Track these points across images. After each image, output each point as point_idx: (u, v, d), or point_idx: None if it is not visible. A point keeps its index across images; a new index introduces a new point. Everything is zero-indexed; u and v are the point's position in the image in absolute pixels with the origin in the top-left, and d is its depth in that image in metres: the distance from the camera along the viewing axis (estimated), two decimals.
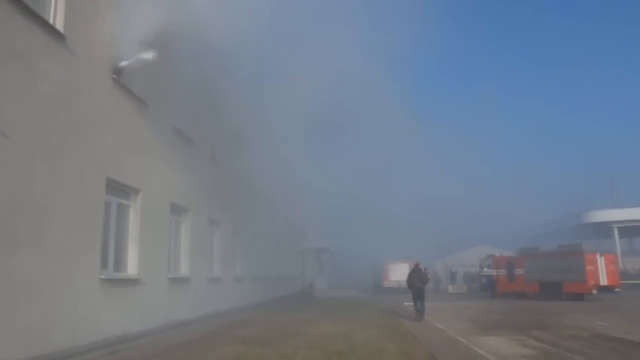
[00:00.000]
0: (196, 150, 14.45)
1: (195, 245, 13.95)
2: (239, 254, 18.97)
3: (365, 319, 14.55)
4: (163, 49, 11.49)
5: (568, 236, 43.38)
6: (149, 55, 9.65)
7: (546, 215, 55.49)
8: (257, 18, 13.14)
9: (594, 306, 20.02)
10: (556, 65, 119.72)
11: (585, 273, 23.20)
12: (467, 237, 58.04)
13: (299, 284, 34.73)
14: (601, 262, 23.86)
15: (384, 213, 55.35)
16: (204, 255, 14.74)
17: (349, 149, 43.96)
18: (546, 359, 8.30)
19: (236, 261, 18.63)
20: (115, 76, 9.52)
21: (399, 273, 34.34)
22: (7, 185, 6.49)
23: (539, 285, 25.48)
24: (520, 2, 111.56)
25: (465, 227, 62.76)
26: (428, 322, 14.06)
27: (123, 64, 9.54)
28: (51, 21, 7.71)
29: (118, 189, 9.79)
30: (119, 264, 9.86)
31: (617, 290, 24.10)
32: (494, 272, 28.98)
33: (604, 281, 23.62)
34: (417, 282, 15.16)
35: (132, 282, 10.07)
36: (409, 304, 16.33)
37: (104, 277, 8.81)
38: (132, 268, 10.24)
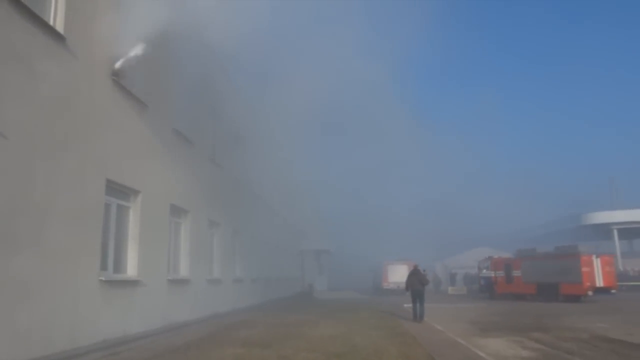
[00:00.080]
0: (196, 151, 14.45)
1: (195, 247, 13.95)
2: (239, 255, 18.97)
3: (365, 320, 14.54)
4: (163, 50, 11.53)
5: (568, 237, 43.36)
6: (138, 51, 9.65)
7: (546, 216, 55.56)
8: (257, 19, 13.14)
9: (593, 307, 20.02)
10: (556, 66, 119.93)
11: (581, 274, 23.34)
12: (467, 239, 58.12)
13: (298, 285, 34.72)
14: (597, 263, 23.98)
15: (384, 214, 55.39)
16: (203, 257, 14.74)
17: (349, 150, 44.00)
18: None
19: (236, 262, 18.63)
20: (114, 77, 9.52)
21: (398, 274, 34.32)
22: (6, 186, 6.49)
23: (536, 287, 25.62)
24: (520, 2, 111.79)
25: (465, 229, 62.85)
26: (428, 323, 14.05)
27: (117, 64, 9.54)
28: (51, 22, 7.72)
29: (117, 190, 9.79)
30: (119, 265, 9.86)
31: (613, 291, 24.20)
32: (492, 274, 29.08)
33: (599, 282, 23.73)
34: (417, 283, 15.18)
35: (132, 283, 10.06)
36: (409, 306, 16.33)
37: (103, 278, 8.81)
38: (131, 269, 10.24)
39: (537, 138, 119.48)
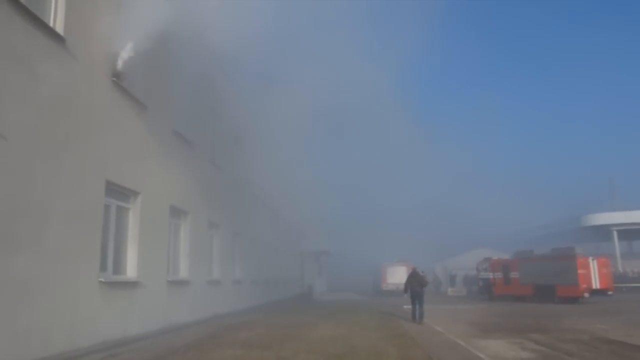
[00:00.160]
0: (195, 152, 14.46)
1: (195, 248, 13.95)
2: (238, 257, 18.96)
3: (365, 322, 14.53)
4: (162, 51, 11.55)
5: (568, 239, 43.36)
6: (138, 52, 9.68)
7: (546, 218, 55.60)
8: (256, 20, 13.15)
9: (593, 309, 20.01)
10: (556, 67, 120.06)
11: (577, 276, 23.39)
12: (466, 240, 58.10)
13: (297, 287, 34.68)
14: (593, 265, 24.06)
15: (384, 215, 55.32)
16: (203, 258, 14.74)
17: (349, 151, 43.95)
18: None
19: (235, 264, 18.62)
20: (114, 78, 9.53)
21: (397, 276, 34.35)
22: (6, 187, 6.50)
23: (533, 288, 25.67)
24: (519, 4, 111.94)
25: (465, 230, 62.82)
26: (427, 324, 14.04)
27: (117, 65, 9.55)
28: (51, 24, 7.73)
29: (117, 192, 9.79)
30: (118, 267, 9.86)
31: (609, 293, 24.27)
32: (490, 275, 29.12)
33: (596, 284, 23.81)
34: (416, 285, 15.26)
35: (131, 284, 10.06)
36: (408, 307, 16.33)
37: (103, 280, 8.81)
38: (131, 270, 10.24)
39: (537, 139, 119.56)
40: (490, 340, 10.65)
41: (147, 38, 9.80)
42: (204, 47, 14.41)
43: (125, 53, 9.62)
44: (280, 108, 20.84)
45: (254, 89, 21.05)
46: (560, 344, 9.99)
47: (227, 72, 18.28)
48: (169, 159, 12.22)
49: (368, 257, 45.73)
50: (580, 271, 23.49)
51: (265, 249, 23.88)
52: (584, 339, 10.76)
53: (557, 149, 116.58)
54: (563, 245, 28.22)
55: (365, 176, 49.82)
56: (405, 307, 19.15)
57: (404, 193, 56.55)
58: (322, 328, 12.73)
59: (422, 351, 9.04)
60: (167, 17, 9.77)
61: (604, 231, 45.19)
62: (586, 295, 23.32)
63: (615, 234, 44.33)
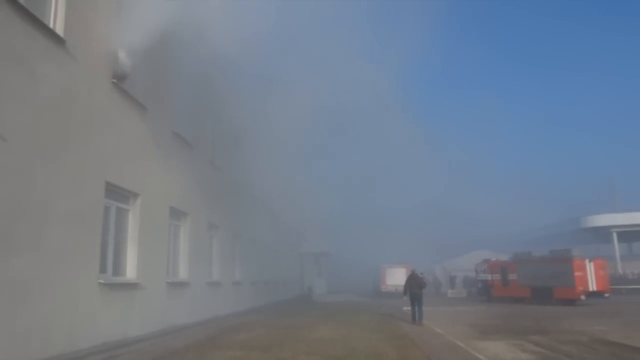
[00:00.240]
0: (195, 154, 14.46)
1: (194, 249, 13.94)
2: (238, 258, 18.96)
3: (364, 323, 14.53)
4: (162, 52, 11.56)
5: (567, 240, 43.43)
6: (138, 53, 9.71)
7: (546, 219, 55.62)
8: (256, 22, 13.17)
9: (592, 310, 20.01)
10: (556, 69, 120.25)
11: (573, 279, 23.43)
12: (466, 241, 58.07)
13: (297, 288, 34.67)
14: (590, 267, 24.07)
15: (384, 217, 55.28)
16: (202, 259, 14.73)
17: (349, 152, 43.95)
18: None
19: (235, 265, 18.61)
20: (114, 80, 9.54)
21: (396, 277, 34.33)
22: (6, 188, 6.50)
23: (531, 290, 25.72)
24: (520, 5, 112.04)
25: (465, 231, 62.81)
26: (427, 326, 14.04)
27: (117, 67, 9.57)
28: (51, 25, 7.73)
29: (117, 193, 9.79)
30: (118, 268, 9.85)
31: (606, 295, 24.27)
32: (488, 277, 29.15)
33: (592, 287, 23.82)
34: (415, 287, 15.33)
35: (131, 286, 10.06)
36: (408, 308, 16.32)
37: (102, 281, 8.81)
38: (130, 272, 10.23)
39: (537, 140, 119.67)
40: (489, 342, 10.65)
41: (147, 39, 9.82)
42: (204, 47, 14.41)
43: (126, 55, 9.63)
44: (280, 109, 20.85)
45: (253, 89, 21.06)
46: (559, 346, 10.00)
47: (226, 72, 18.29)
48: (168, 160, 12.22)
49: (368, 259, 45.70)
50: (576, 273, 23.54)
51: (265, 250, 23.87)
52: (584, 340, 10.76)
53: (557, 150, 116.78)
54: (562, 247, 28.25)
55: (365, 177, 49.88)
56: (404, 308, 19.13)
57: (404, 194, 56.52)
58: (322, 329, 12.73)
59: (422, 353, 9.04)
60: (166, 18, 9.79)
61: (603, 233, 45.20)
62: (583, 297, 23.38)
63: (615, 235, 44.32)
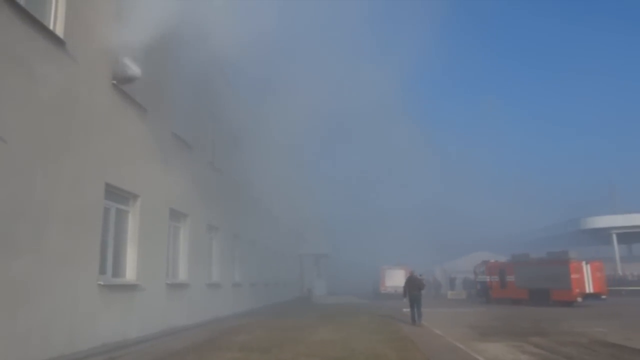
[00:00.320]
0: (195, 155, 14.47)
1: (194, 251, 13.94)
2: (238, 260, 18.95)
3: (364, 325, 14.53)
4: (162, 54, 11.56)
5: (567, 242, 43.33)
6: (138, 55, 9.76)
7: (546, 220, 55.59)
8: (257, 24, 13.19)
9: (592, 312, 20.02)
10: (556, 70, 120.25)
11: (570, 281, 23.45)
12: (466, 243, 57.93)
13: (297, 290, 34.64)
14: (587, 269, 24.10)
15: (384, 218, 55.27)
16: (202, 261, 14.73)
17: (349, 153, 43.96)
18: None
19: (234, 266, 18.61)
20: (114, 81, 9.55)
21: (395, 279, 34.35)
22: (6, 189, 6.50)
23: (528, 292, 25.71)
24: (521, 5, 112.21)
25: (464, 233, 62.64)
26: (427, 327, 14.03)
27: (117, 68, 9.59)
28: (51, 27, 7.75)
29: (117, 194, 9.80)
30: (118, 269, 9.85)
31: (603, 297, 24.29)
32: (487, 278, 29.15)
33: (589, 289, 23.86)
34: (414, 288, 15.37)
35: (131, 287, 10.05)
36: (407, 310, 16.32)
37: (102, 283, 8.81)
38: (130, 273, 10.23)
39: (537, 142, 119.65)
40: (489, 344, 10.65)
41: (147, 40, 9.83)
42: (204, 49, 14.40)
43: (133, 60, 9.67)
44: (280, 110, 20.86)
45: (253, 91, 21.08)
46: (559, 347, 9.99)
47: (226, 74, 18.30)
48: (168, 161, 12.23)
49: (368, 260, 45.71)
50: (573, 276, 23.59)
51: (264, 252, 23.86)
52: (583, 342, 10.76)
53: (556, 152, 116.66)
54: (562, 248, 28.23)
55: (365, 179, 49.90)
56: (404, 310, 19.12)
57: (404, 195, 56.52)
58: (322, 331, 12.72)
59: (422, 354, 9.04)
60: (166, 19, 9.80)
61: (603, 234, 45.16)
62: (579, 299, 23.42)
63: (614, 237, 44.29)
